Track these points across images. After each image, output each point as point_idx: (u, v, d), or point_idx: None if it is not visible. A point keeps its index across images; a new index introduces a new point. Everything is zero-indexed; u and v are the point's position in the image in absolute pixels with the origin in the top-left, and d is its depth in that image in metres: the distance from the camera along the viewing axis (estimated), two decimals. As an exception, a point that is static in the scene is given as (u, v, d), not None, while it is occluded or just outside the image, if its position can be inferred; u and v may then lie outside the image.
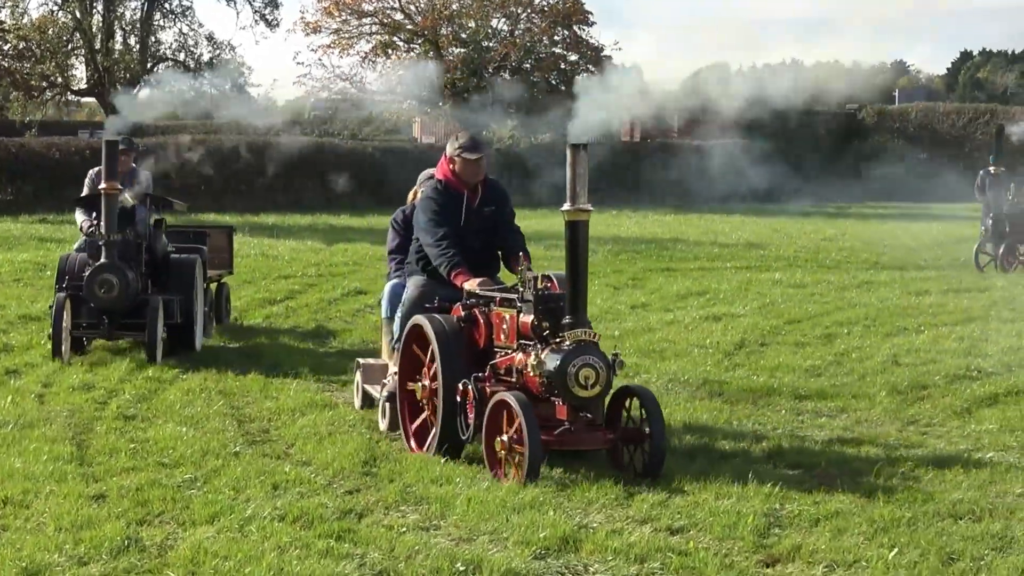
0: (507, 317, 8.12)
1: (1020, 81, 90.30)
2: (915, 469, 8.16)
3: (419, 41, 45.72)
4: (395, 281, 9.74)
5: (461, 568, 6.15)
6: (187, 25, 46.38)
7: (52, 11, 43.65)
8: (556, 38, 45.81)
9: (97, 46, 42.03)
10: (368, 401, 9.88)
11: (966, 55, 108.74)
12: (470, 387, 7.91)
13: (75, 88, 44.13)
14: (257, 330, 14.67)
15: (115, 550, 6.29)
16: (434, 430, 8.21)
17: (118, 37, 43.95)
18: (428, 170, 10.15)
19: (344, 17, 45.47)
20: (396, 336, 9.15)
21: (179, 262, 12.01)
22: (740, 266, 23.41)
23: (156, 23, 45.05)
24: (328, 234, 28.10)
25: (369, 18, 46.01)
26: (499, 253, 9.33)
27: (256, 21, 45.61)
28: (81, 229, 11.96)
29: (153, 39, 45.16)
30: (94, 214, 11.77)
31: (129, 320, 10.99)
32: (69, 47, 43.09)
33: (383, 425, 9.16)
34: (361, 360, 10.27)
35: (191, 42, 46.49)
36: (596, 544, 6.55)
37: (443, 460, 8.18)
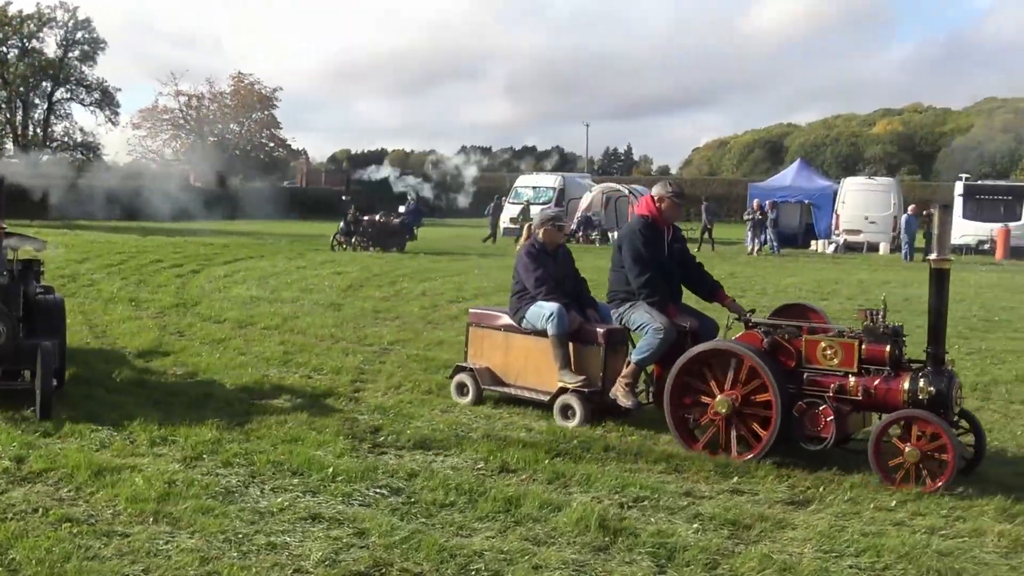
0: (832, 344, 6.76)
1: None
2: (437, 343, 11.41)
3: (192, 135, 66.10)
4: (558, 304, 7.99)
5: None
6: (69, 122, 64.57)
7: (-6, 113, 62.59)
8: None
9: (20, 132, 58.76)
10: (473, 396, 8.44)
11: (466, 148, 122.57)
12: (825, 406, 6.66)
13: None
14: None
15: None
16: (766, 438, 6.75)
17: (31, 128, 61.81)
18: (549, 210, 9.32)
19: (151, 122, 66.04)
20: (651, 352, 7.49)
21: (47, 304, 8.43)
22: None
23: (52, 122, 63.79)
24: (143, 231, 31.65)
25: (165, 121, 66.29)
26: (681, 282, 8.13)
27: (107, 120, 63.40)
28: None
29: (51, 130, 63.29)
30: None
31: (6, 367, 7.60)
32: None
33: (576, 421, 7.74)
34: (474, 366, 8.51)
35: (72, 131, 64.00)
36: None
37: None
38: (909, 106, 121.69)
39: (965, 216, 36.46)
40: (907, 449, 6.29)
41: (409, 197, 32.28)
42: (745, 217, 34.78)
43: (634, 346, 7.88)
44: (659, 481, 6.27)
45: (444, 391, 8.75)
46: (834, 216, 36.89)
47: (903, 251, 32.46)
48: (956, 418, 6.67)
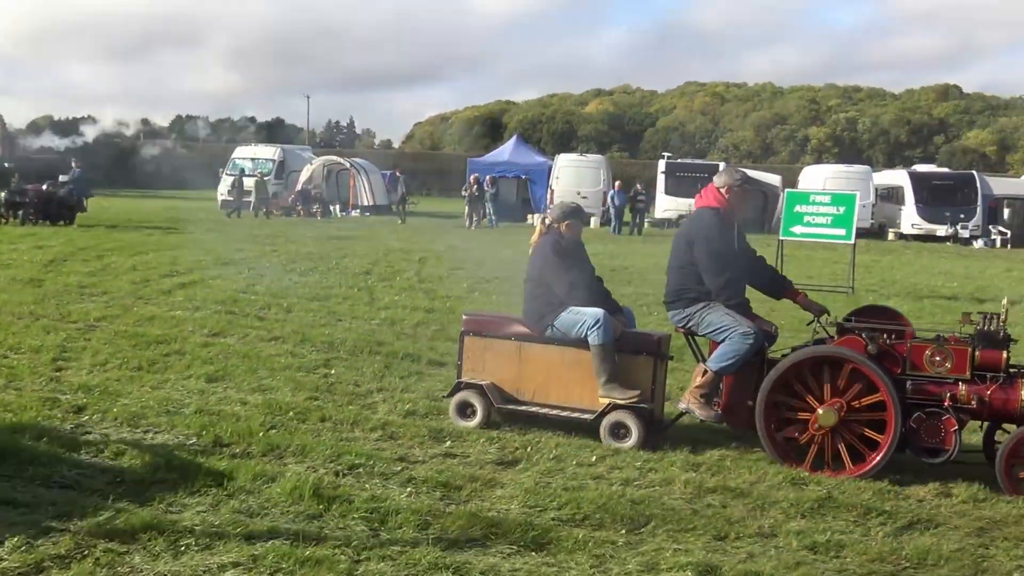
0: (942, 350, 6.31)
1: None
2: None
3: None
4: (603, 311, 6.98)
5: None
6: None
7: None
8: None
9: None
10: (482, 417, 7.17)
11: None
12: (949, 416, 6.21)
13: None
14: None
15: None
16: (882, 451, 6.24)
17: None
18: (565, 202, 8.07)
19: None
20: (736, 359, 6.67)
21: None
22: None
23: None
24: None
25: None
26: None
27: None
28: None
29: None
30: None
31: None
32: None
33: (631, 442, 6.75)
34: (482, 382, 7.21)
35: None
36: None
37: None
38: (619, 87, 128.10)
39: (667, 192, 38.94)
40: None
41: (73, 164, 29.77)
42: (463, 192, 35.44)
43: (698, 352, 7.27)
44: (374, 448, 6.35)
45: (155, 367, 8.44)
46: (549, 191, 38.31)
47: (612, 225, 34.18)
48: None
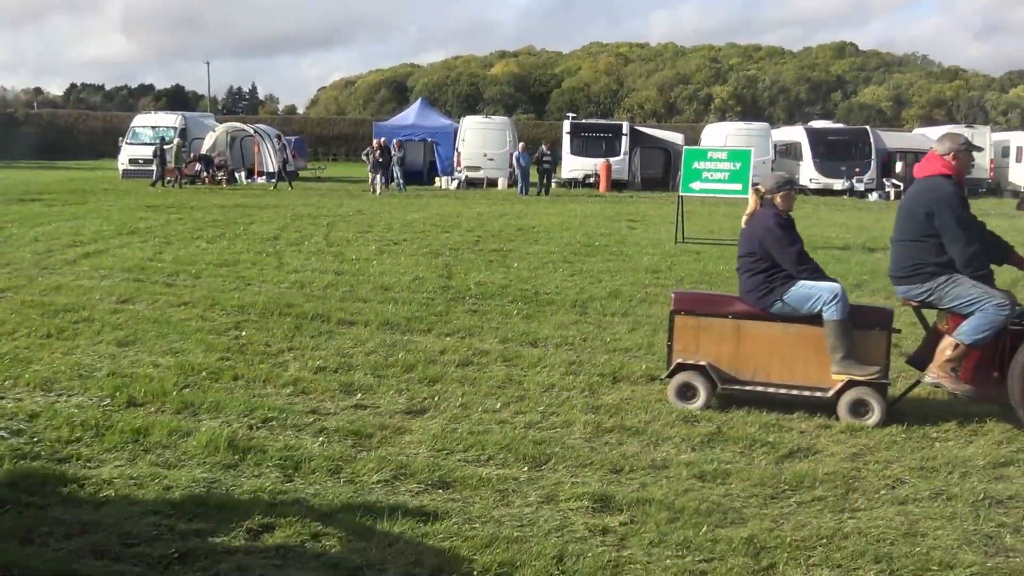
0: None
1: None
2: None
3: None
4: (839, 284, 6.88)
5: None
6: None
7: None
8: None
9: None
10: (704, 399, 6.90)
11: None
12: None
13: None
14: None
15: None
16: None
17: None
18: (778, 173, 7.77)
19: None
20: (991, 331, 6.46)
21: None
22: None
23: None
24: None
25: None
26: None
27: None
28: None
29: None
30: None
31: None
32: None
33: (874, 419, 6.58)
34: (706, 363, 6.94)
35: None
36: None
37: None
38: (524, 49, 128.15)
39: (572, 152, 39.36)
40: None
41: None
42: (363, 156, 35.22)
43: (928, 326, 7.14)
44: (287, 403, 6.58)
45: (64, 334, 8.48)
46: (455, 153, 38.42)
47: (519, 186, 34.48)
48: None
